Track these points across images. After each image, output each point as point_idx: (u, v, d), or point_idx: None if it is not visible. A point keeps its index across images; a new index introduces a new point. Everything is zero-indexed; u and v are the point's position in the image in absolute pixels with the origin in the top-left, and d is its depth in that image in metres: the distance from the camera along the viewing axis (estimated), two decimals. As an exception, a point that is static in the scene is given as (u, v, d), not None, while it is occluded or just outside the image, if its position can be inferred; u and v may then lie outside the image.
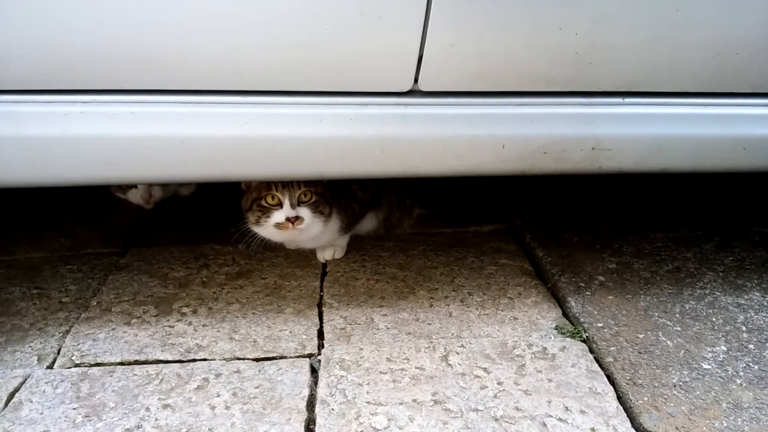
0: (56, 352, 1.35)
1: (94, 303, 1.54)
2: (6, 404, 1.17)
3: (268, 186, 1.49)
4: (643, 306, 1.50)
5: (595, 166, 1.28)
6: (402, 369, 1.27)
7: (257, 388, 1.21)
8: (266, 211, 1.50)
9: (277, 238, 1.60)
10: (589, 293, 1.55)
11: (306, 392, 1.20)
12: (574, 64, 1.17)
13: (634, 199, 2.23)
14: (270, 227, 1.50)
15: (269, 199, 1.49)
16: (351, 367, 1.27)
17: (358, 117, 1.19)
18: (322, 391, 1.20)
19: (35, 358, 1.33)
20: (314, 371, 1.27)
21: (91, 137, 1.14)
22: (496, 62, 1.16)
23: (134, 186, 1.83)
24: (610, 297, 1.53)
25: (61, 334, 1.41)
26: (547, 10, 1.11)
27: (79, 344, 1.37)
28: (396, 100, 1.19)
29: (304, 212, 1.49)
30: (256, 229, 1.54)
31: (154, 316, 1.48)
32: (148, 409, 1.15)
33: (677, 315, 1.46)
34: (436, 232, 1.98)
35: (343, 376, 1.24)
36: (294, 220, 1.47)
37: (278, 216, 1.48)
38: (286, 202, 1.48)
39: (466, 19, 1.09)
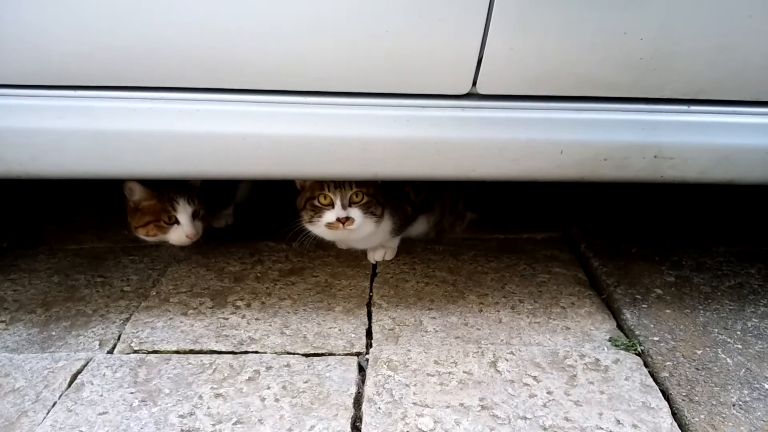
0: (116, 338, 1.40)
1: (154, 293, 1.60)
2: (69, 385, 1.23)
3: (321, 186, 1.50)
4: (702, 321, 1.45)
5: (657, 174, 1.25)
6: (450, 372, 1.26)
7: (306, 382, 1.23)
8: (318, 211, 1.51)
9: (329, 237, 1.62)
10: (645, 306, 1.51)
11: (353, 390, 1.21)
12: (638, 69, 1.14)
13: (696, 211, 2.15)
14: (322, 226, 1.51)
15: (322, 199, 1.50)
16: (398, 368, 1.28)
17: (414, 119, 1.20)
18: (369, 390, 1.21)
19: (97, 342, 1.39)
20: (362, 369, 1.28)
21: (157, 133, 1.19)
22: (557, 66, 1.14)
23: (176, 222, 1.68)
24: (667, 311, 1.49)
25: (121, 321, 1.47)
26: (611, 14, 1.09)
27: (138, 331, 1.42)
28: (453, 103, 1.19)
29: (355, 213, 1.50)
30: (309, 227, 1.56)
31: (210, 307, 1.52)
32: (201, 397, 1.19)
33: (738, 332, 1.40)
34: (488, 237, 1.97)
35: (390, 376, 1.25)
36: (344, 220, 1.48)
37: (329, 216, 1.49)
38: (338, 203, 1.49)
39: (528, 22, 1.09)
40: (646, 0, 1.08)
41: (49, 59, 1.13)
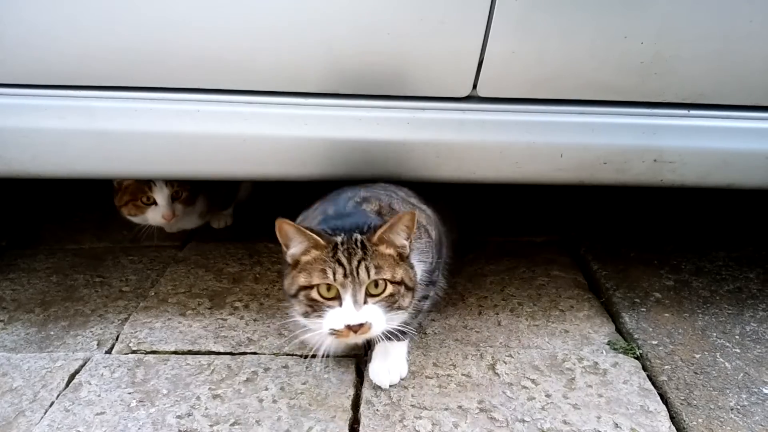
0: (115, 338, 1.40)
1: (152, 293, 1.60)
2: (67, 385, 1.22)
3: (322, 271, 1.03)
4: (700, 325, 1.45)
5: (656, 178, 1.25)
6: (448, 375, 1.26)
7: (304, 384, 1.23)
8: (318, 308, 1.05)
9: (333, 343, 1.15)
10: (644, 309, 1.51)
11: (351, 391, 1.21)
12: (638, 73, 1.15)
13: (695, 215, 2.15)
14: (325, 329, 1.05)
15: (323, 291, 1.05)
16: (397, 370, 1.27)
17: (415, 121, 1.20)
18: (367, 392, 1.20)
19: (95, 342, 1.38)
20: (360, 371, 1.28)
21: (158, 133, 1.19)
22: (557, 70, 1.15)
23: (154, 203, 1.66)
24: (666, 314, 1.49)
25: (120, 322, 1.47)
26: (611, 18, 1.09)
27: (136, 332, 1.42)
28: (454, 106, 1.20)
29: (373, 314, 1.03)
30: (304, 323, 1.12)
31: (208, 308, 1.52)
32: (198, 398, 1.19)
33: (737, 336, 1.40)
34: (488, 240, 1.97)
35: (389, 378, 1.25)
36: (358, 328, 1.01)
37: (335, 319, 1.03)
38: (348, 299, 1.02)
39: (529, 26, 1.09)
40: (647, 4, 1.08)
41: (50, 59, 1.13)
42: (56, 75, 1.15)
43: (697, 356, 1.32)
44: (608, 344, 1.39)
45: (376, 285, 1.04)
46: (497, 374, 1.27)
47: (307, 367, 1.28)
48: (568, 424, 1.12)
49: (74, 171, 1.22)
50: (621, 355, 1.34)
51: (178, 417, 1.13)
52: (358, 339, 1.06)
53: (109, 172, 1.26)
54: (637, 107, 1.21)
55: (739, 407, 1.17)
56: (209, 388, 1.21)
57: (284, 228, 1.05)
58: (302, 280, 1.06)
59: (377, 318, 1.03)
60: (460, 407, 1.16)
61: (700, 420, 1.13)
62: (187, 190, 1.71)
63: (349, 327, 1.00)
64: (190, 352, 1.34)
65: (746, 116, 1.22)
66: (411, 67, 1.16)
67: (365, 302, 1.03)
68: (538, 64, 1.14)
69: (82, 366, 1.28)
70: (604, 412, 1.15)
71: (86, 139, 1.18)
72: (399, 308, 1.07)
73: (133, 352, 1.35)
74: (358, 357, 1.32)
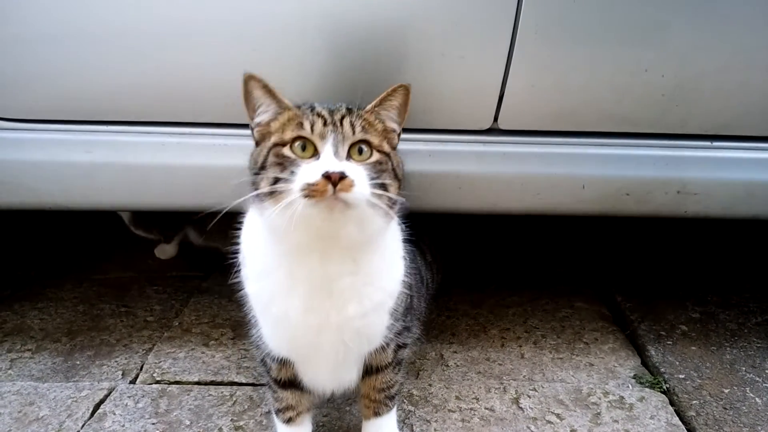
0: (139, 368, 1.41)
1: (176, 323, 1.62)
2: (92, 414, 1.24)
3: (298, 124, 0.88)
4: (728, 359, 1.42)
5: (680, 210, 1.24)
6: (471, 408, 1.25)
7: (326, 416, 1.22)
8: (289, 165, 0.85)
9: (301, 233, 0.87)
10: (670, 342, 1.48)
11: (374, 424, 1.20)
12: (660, 105, 1.15)
13: (721, 247, 2.12)
14: (295, 195, 0.81)
15: (297, 149, 0.87)
16: (419, 403, 1.26)
17: (436, 153, 1.21)
18: (389, 425, 1.20)
19: (120, 372, 1.40)
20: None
21: (185, 166, 1.21)
22: (578, 103, 1.15)
23: None
24: (693, 347, 1.46)
25: (144, 351, 1.48)
26: (632, 51, 1.10)
27: (160, 362, 1.43)
28: (475, 138, 1.21)
29: (355, 171, 0.83)
30: (265, 206, 0.87)
31: (231, 338, 1.53)
32: (221, 429, 1.19)
33: (767, 371, 1.37)
34: (510, 271, 1.96)
35: (411, 411, 1.24)
36: (338, 179, 0.80)
37: (311, 171, 0.82)
38: (327, 149, 0.85)
39: (550, 60, 1.10)
40: (667, 37, 1.09)
41: (79, 96, 1.16)
42: (85, 111, 1.18)
43: (726, 391, 1.30)
44: (634, 378, 1.36)
45: (360, 151, 0.88)
46: (521, 408, 1.25)
47: (328, 400, 1.28)
48: (594, 460, 1.10)
49: (102, 203, 1.24)
50: (647, 390, 1.31)
51: (201, 449, 1.14)
52: (337, 202, 0.80)
53: (135, 205, 1.28)
54: (660, 139, 1.21)
55: (771, 445, 1.14)
56: (231, 420, 1.21)
57: (252, 87, 0.92)
58: (273, 139, 0.89)
59: (360, 177, 0.83)
60: (483, 442, 1.15)
61: (731, 458, 1.11)
62: None
63: (327, 177, 0.79)
64: (212, 383, 1.35)
65: (771, 147, 1.21)
66: (433, 101, 1.17)
67: (348, 159, 0.86)
68: (559, 97, 1.15)
69: (106, 396, 1.30)
70: (631, 448, 1.13)
71: (113, 172, 1.21)
72: (384, 188, 0.86)
73: (157, 382, 1.36)
74: (380, 389, 1.32)
